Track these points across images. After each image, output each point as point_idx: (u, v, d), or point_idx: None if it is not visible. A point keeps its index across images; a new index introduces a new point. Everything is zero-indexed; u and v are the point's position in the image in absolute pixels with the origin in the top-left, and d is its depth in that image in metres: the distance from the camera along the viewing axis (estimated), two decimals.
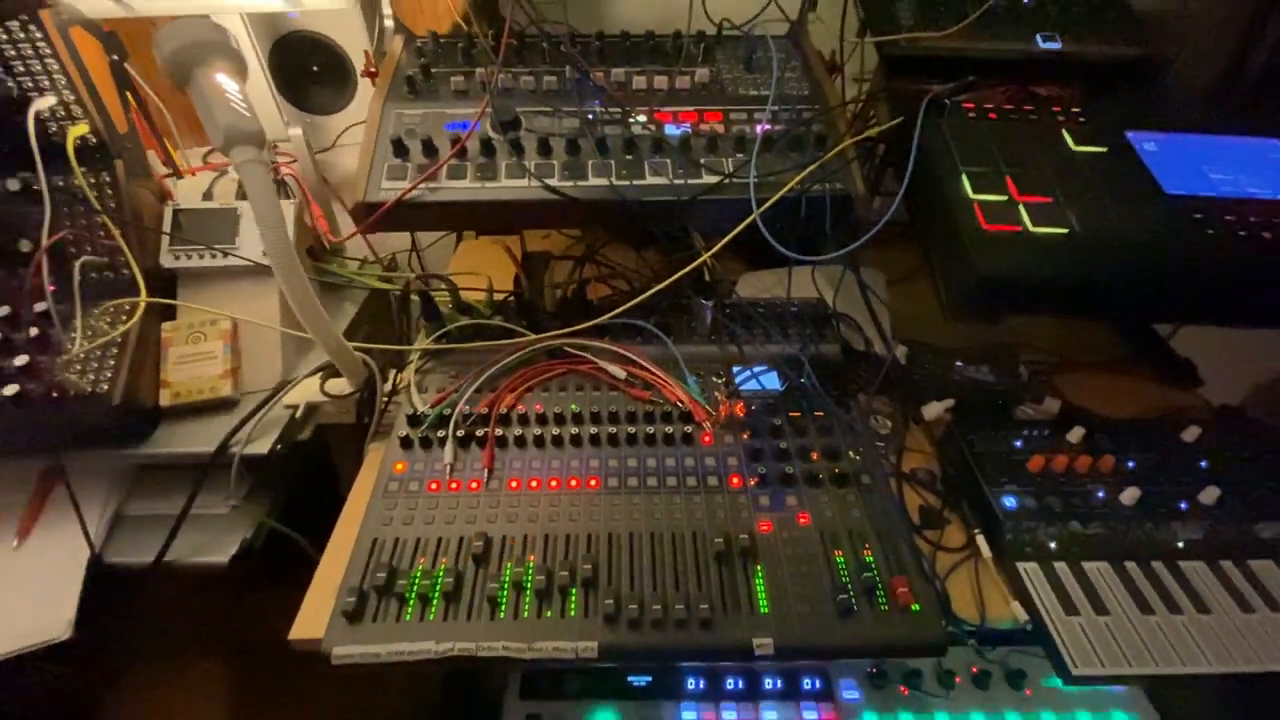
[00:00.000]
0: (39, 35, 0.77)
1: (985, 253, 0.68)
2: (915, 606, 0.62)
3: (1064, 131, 0.80)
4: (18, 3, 0.76)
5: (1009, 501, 0.72)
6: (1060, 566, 0.68)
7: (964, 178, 0.74)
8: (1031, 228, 0.70)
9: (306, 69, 1.22)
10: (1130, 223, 0.71)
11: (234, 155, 0.66)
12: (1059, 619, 0.63)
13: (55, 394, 0.75)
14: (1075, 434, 0.79)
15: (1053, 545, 0.69)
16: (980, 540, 0.72)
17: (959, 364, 0.91)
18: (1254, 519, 0.71)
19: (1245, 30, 0.99)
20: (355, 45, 1.18)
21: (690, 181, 0.78)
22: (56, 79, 0.80)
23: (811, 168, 0.77)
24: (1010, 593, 0.68)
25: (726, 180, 0.78)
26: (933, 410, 0.85)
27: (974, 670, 0.79)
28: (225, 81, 0.67)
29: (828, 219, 0.77)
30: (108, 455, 0.80)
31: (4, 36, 0.77)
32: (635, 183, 0.78)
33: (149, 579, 0.81)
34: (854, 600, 0.62)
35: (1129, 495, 0.72)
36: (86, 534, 0.78)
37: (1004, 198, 0.72)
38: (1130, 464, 0.76)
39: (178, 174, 1.02)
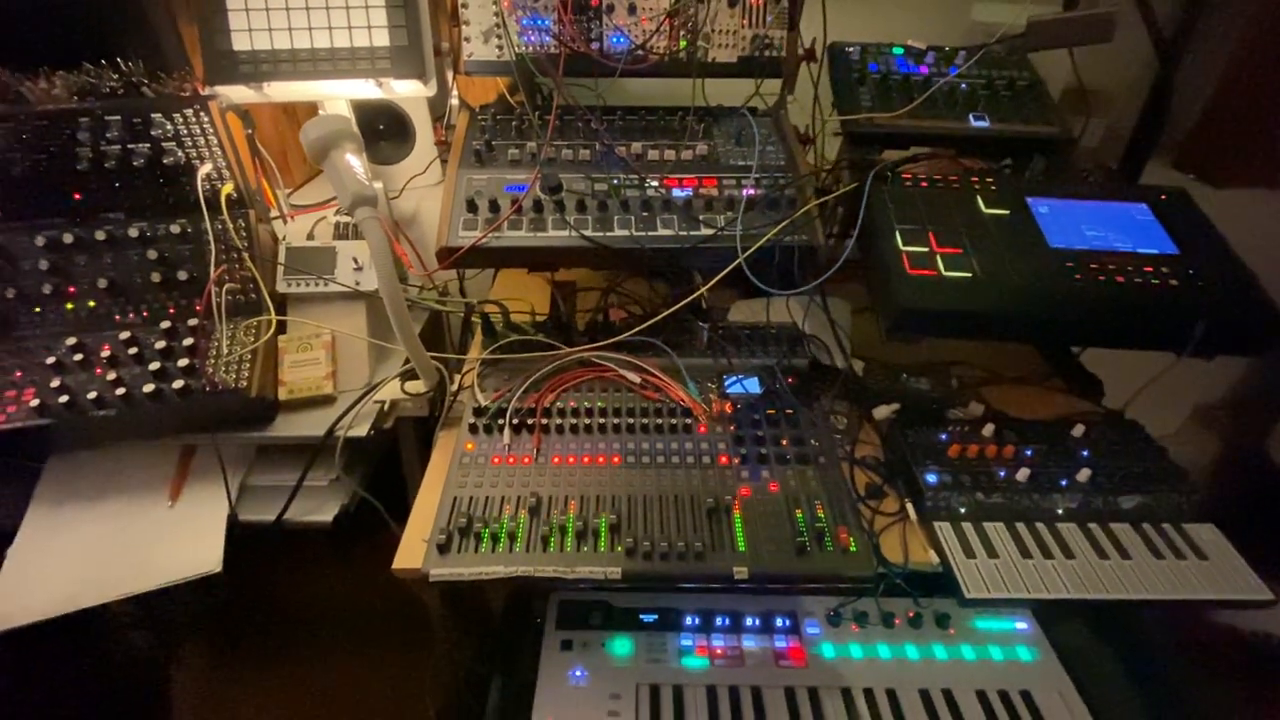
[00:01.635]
0: (205, 119, 1.03)
1: (908, 290, 0.92)
2: (853, 547, 0.84)
3: (978, 197, 1.05)
4: (194, 96, 1.02)
5: (931, 478, 0.95)
6: (966, 526, 0.90)
7: (897, 233, 0.99)
8: (944, 272, 0.94)
9: (375, 128, 1.48)
10: (1019, 268, 0.95)
11: (357, 214, 0.91)
12: (960, 560, 0.86)
13: (208, 387, 1.00)
14: (988, 429, 1.01)
15: (962, 510, 0.92)
16: (909, 507, 0.94)
17: (904, 376, 1.15)
18: (1118, 494, 0.94)
19: (1135, 116, 1.25)
20: (415, 110, 1.45)
21: (691, 233, 1.03)
22: (214, 150, 1.06)
23: (784, 224, 1.01)
24: (928, 544, 0.90)
25: (719, 233, 1.02)
26: (881, 411, 1.08)
27: (910, 614, 1.01)
28: (352, 159, 0.93)
29: (795, 263, 1.01)
30: (240, 437, 1.04)
31: (180, 120, 1.03)
32: (650, 234, 1.03)
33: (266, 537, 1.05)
34: (807, 543, 0.84)
35: (1022, 474, 0.94)
36: (229, 494, 1.01)
37: (925, 249, 0.96)
38: (1028, 452, 0.99)
39: (284, 218, 1.27)
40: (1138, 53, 1.30)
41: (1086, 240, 0.99)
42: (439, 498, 0.91)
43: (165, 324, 1.04)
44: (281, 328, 1.14)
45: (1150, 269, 0.95)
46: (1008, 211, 1.03)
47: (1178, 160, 1.28)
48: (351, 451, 1.12)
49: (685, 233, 1.03)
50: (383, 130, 1.49)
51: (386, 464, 1.24)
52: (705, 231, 1.03)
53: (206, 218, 1.03)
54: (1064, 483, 0.95)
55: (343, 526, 1.06)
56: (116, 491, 1.04)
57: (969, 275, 0.94)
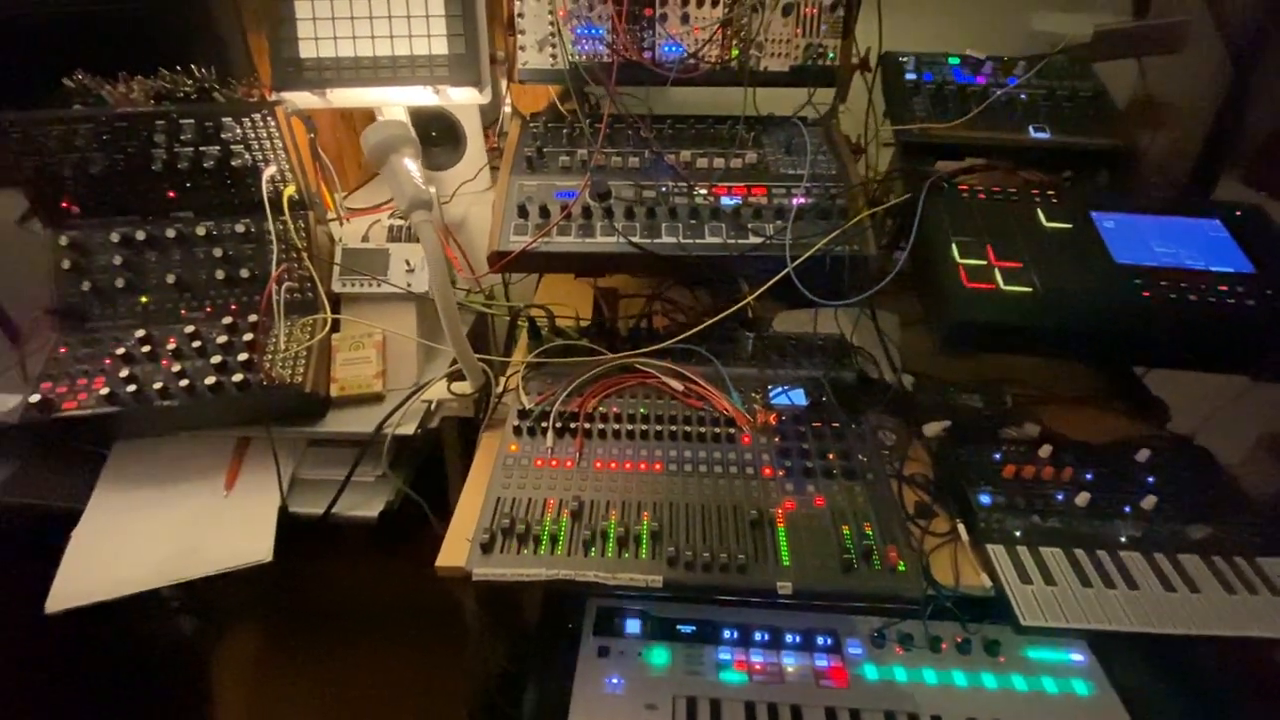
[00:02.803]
0: (273, 123, 1.07)
1: (965, 304, 0.90)
2: (901, 566, 0.82)
3: (1039, 210, 1.01)
4: (262, 101, 1.06)
5: (984, 498, 0.91)
6: (1021, 550, 0.87)
7: (954, 245, 0.96)
8: (1003, 286, 0.91)
9: (428, 133, 1.52)
10: (1082, 284, 0.91)
11: (414, 218, 0.92)
12: (1015, 585, 0.83)
13: (265, 382, 1.03)
14: (1045, 450, 0.98)
15: (1017, 533, 0.88)
16: (960, 527, 0.91)
17: (955, 392, 1.12)
18: (1185, 523, 0.89)
19: (1209, 127, 1.19)
20: (467, 117, 1.48)
21: (739, 241, 1.02)
22: (279, 154, 1.10)
23: (835, 234, 1.00)
24: (980, 567, 0.87)
25: (768, 241, 1.01)
26: (932, 428, 1.05)
27: (958, 639, 0.98)
28: (410, 164, 0.95)
29: (846, 273, 0.99)
30: (294, 431, 1.07)
31: (249, 124, 1.07)
32: (697, 241, 1.02)
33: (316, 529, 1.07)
34: (854, 560, 0.82)
35: (1082, 498, 0.91)
36: (281, 486, 1.04)
37: (984, 262, 0.94)
38: (1088, 476, 0.95)
39: (340, 220, 1.31)
40: (1209, 62, 1.25)
41: (1155, 257, 0.95)
42: (482, 498, 0.91)
43: (227, 319, 1.08)
44: (335, 326, 1.17)
45: (1225, 288, 0.91)
46: (1070, 225, 0.99)
47: (1250, 176, 1.22)
48: (398, 449, 1.14)
49: (733, 240, 1.02)
50: (435, 137, 1.52)
51: (429, 464, 1.26)
52: (753, 240, 1.02)
53: (270, 218, 1.06)
54: (1127, 509, 0.91)
55: (387, 522, 1.08)
56: (176, 479, 1.08)
57: (1029, 290, 0.91)
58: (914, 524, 0.93)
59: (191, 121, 1.06)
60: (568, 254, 1.02)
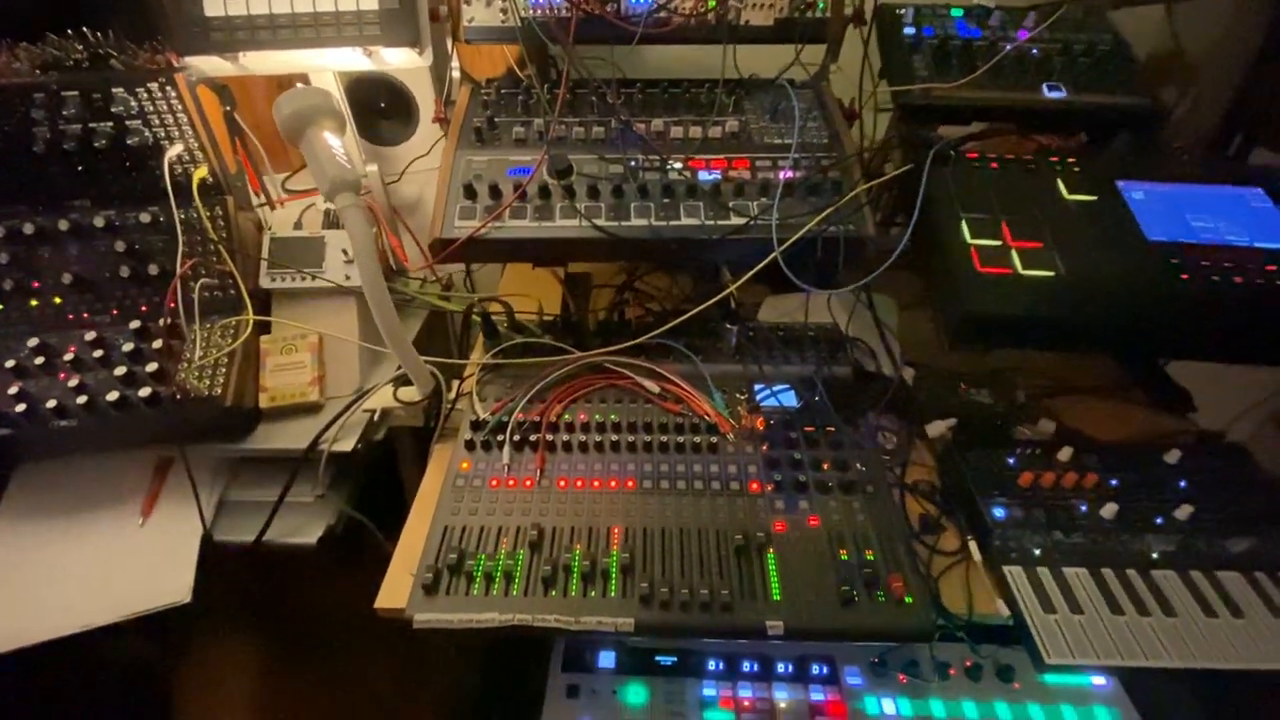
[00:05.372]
0: (173, 94, 0.92)
1: (978, 292, 0.78)
2: (908, 599, 0.71)
3: (1059, 180, 0.89)
4: (158, 69, 0.91)
5: (998, 512, 0.81)
6: (1042, 571, 0.77)
7: (964, 223, 0.84)
8: (1021, 270, 0.79)
9: (375, 105, 1.36)
10: (1112, 266, 0.79)
11: (337, 201, 0.79)
12: (1037, 615, 0.72)
13: (179, 395, 0.90)
14: (1064, 453, 0.87)
15: (1036, 552, 0.78)
16: (972, 546, 0.81)
17: (962, 387, 1.00)
18: (1225, 535, 0.79)
19: (1239, 84, 1.06)
20: (419, 85, 1.32)
21: (720, 223, 0.89)
22: (185, 129, 0.95)
23: (827, 212, 0.87)
24: (996, 592, 0.77)
25: (752, 222, 0.89)
26: (936, 428, 0.94)
27: (967, 663, 0.88)
28: (331, 139, 0.81)
29: (840, 257, 0.87)
30: (217, 449, 0.94)
31: (145, 95, 0.92)
32: (671, 223, 0.89)
33: (242, 558, 0.95)
34: (855, 592, 0.72)
35: (1109, 510, 0.80)
36: (201, 514, 0.92)
37: (998, 242, 0.82)
38: (1113, 482, 0.84)
39: (270, 204, 1.16)
40: (1242, 6, 1.11)
41: (1193, 232, 0.83)
42: (429, 526, 0.80)
43: (135, 324, 0.94)
44: (266, 328, 1.03)
45: (1274, 267, 0.79)
46: (1095, 197, 0.87)
47: None
48: (345, 463, 1.02)
49: (713, 222, 0.89)
50: (384, 109, 1.37)
51: (388, 477, 1.13)
52: (736, 220, 0.89)
53: (174, 204, 0.92)
54: (1159, 520, 0.80)
55: (330, 547, 0.96)
56: (86, 506, 0.95)
57: (1051, 274, 0.79)
58: (919, 541, 0.82)
59: (75, 94, 0.91)
60: (522, 240, 0.89)
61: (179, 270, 0.91)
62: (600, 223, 0.89)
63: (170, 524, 0.93)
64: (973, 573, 0.80)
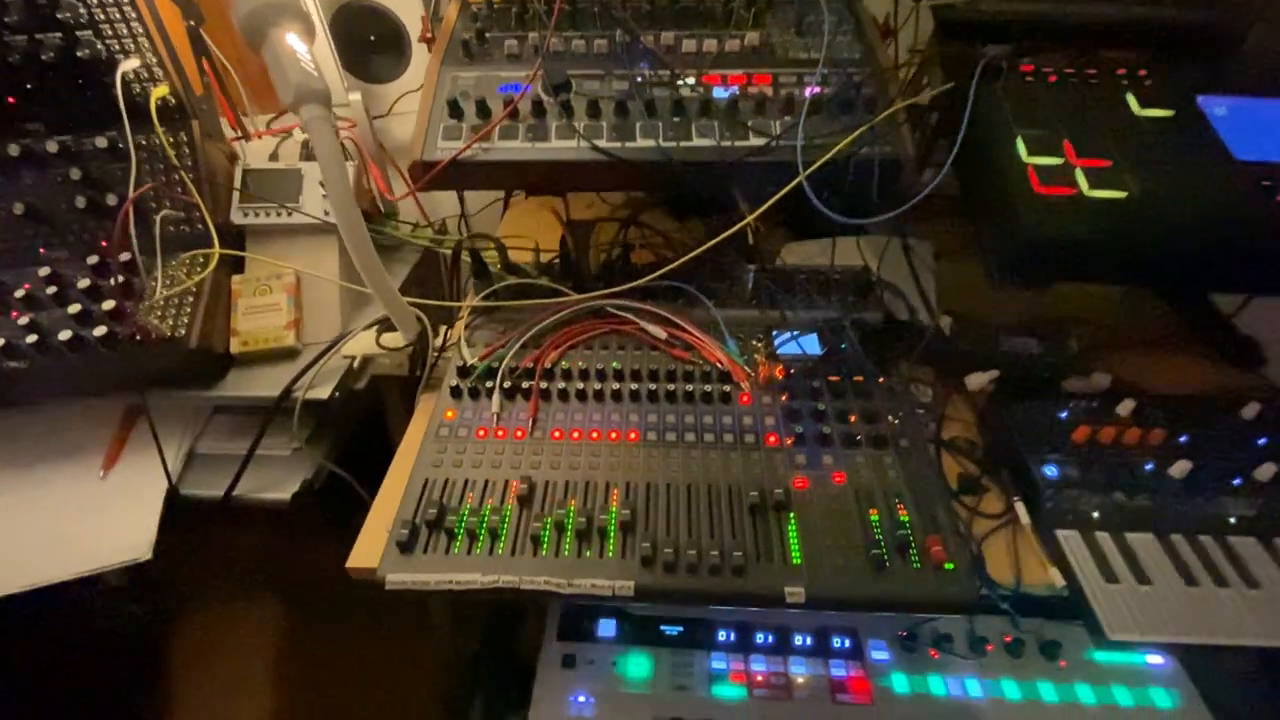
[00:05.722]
0: (125, 0, 0.82)
1: (1037, 215, 0.67)
2: (949, 565, 0.62)
3: (1128, 95, 0.77)
4: None
5: (1050, 470, 0.71)
6: (1102, 537, 0.67)
7: (1019, 140, 0.73)
8: (1088, 191, 0.68)
9: (365, 38, 1.26)
10: (1194, 188, 0.68)
11: (303, 113, 0.69)
12: (1098, 585, 0.63)
13: (138, 336, 0.81)
14: (1125, 407, 0.77)
15: (1095, 515, 0.68)
16: (1019, 507, 0.71)
17: (1005, 336, 0.90)
18: None
19: None
20: (412, 15, 1.21)
21: (737, 144, 0.79)
22: (140, 42, 0.85)
23: (861, 129, 0.76)
24: (1048, 559, 0.68)
25: (773, 143, 0.78)
26: (976, 380, 0.84)
27: (1007, 639, 0.79)
28: (296, 42, 0.70)
29: (875, 183, 0.76)
30: (184, 396, 0.87)
31: (95, 1, 0.82)
32: (682, 144, 0.79)
33: (217, 515, 0.88)
34: (887, 556, 0.63)
35: (1179, 469, 0.70)
36: (166, 467, 0.84)
37: (1060, 160, 0.71)
38: (1183, 439, 0.74)
39: (246, 137, 1.07)
40: None
41: None
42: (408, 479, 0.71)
43: (93, 259, 0.86)
44: (239, 268, 0.95)
45: None
46: (1171, 112, 0.75)
47: None
48: (323, 417, 0.94)
49: (729, 143, 0.79)
50: (374, 42, 1.27)
51: (375, 431, 1.06)
52: (755, 141, 0.79)
53: (126, 125, 0.83)
54: (1237, 481, 0.70)
55: (312, 504, 0.89)
56: (45, 458, 0.88)
57: (1123, 195, 0.68)
58: (958, 502, 0.73)
59: None
60: (513, 163, 0.79)
61: (130, 196, 0.82)
62: (601, 144, 0.78)
63: (134, 477, 0.86)
64: (1020, 537, 0.70)
